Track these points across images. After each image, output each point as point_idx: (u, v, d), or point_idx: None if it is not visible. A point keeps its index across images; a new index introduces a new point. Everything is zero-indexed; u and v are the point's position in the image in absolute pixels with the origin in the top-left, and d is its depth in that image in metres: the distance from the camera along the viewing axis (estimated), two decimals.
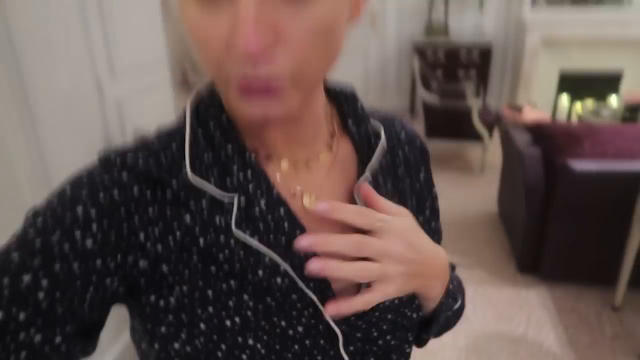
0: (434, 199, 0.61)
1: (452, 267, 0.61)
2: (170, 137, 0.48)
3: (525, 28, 4.41)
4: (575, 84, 4.55)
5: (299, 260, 0.45)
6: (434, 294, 0.53)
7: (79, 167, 0.46)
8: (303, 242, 0.43)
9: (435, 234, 0.60)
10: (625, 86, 4.48)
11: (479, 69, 4.56)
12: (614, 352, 2.07)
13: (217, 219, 0.45)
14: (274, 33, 0.36)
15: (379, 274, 0.45)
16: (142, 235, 0.44)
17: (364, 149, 0.53)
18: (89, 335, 0.44)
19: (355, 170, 0.53)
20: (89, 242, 0.41)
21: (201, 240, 0.45)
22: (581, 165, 2.19)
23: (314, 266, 0.43)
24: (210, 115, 0.48)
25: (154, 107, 2.32)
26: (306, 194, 0.50)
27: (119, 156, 0.45)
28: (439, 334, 0.63)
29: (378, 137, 0.54)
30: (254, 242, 0.45)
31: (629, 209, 2.11)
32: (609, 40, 4.35)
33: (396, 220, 0.47)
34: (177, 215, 0.45)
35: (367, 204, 0.49)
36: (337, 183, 0.52)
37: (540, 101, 4.55)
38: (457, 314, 0.62)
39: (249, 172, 0.46)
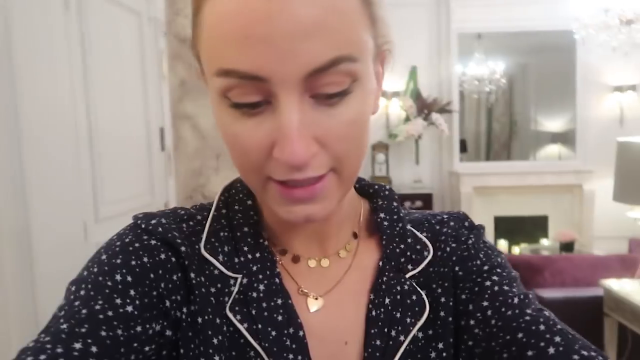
0: None
1: None
2: (199, 211, 0.51)
3: (458, 178, 4.92)
4: (509, 228, 4.98)
5: (285, 358, 0.43)
6: None
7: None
8: None
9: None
10: (552, 227, 4.96)
11: None
12: None
13: (215, 300, 0.45)
14: (315, 141, 0.38)
15: None
16: (167, 302, 0.44)
17: (394, 251, 0.50)
18: None
19: (374, 274, 0.50)
20: (129, 308, 0.41)
21: (199, 320, 0.44)
22: (546, 293, 2.34)
23: None
24: (238, 199, 0.51)
25: None
26: (312, 296, 0.48)
27: (146, 222, 0.47)
28: None
29: (422, 251, 0.51)
30: (242, 329, 0.44)
31: (597, 334, 2.23)
32: (530, 186, 4.93)
33: None
34: (192, 286, 0.45)
35: None
36: (350, 291, 0.49)
37: None
38: None
39: (257, 254, 0.47)
